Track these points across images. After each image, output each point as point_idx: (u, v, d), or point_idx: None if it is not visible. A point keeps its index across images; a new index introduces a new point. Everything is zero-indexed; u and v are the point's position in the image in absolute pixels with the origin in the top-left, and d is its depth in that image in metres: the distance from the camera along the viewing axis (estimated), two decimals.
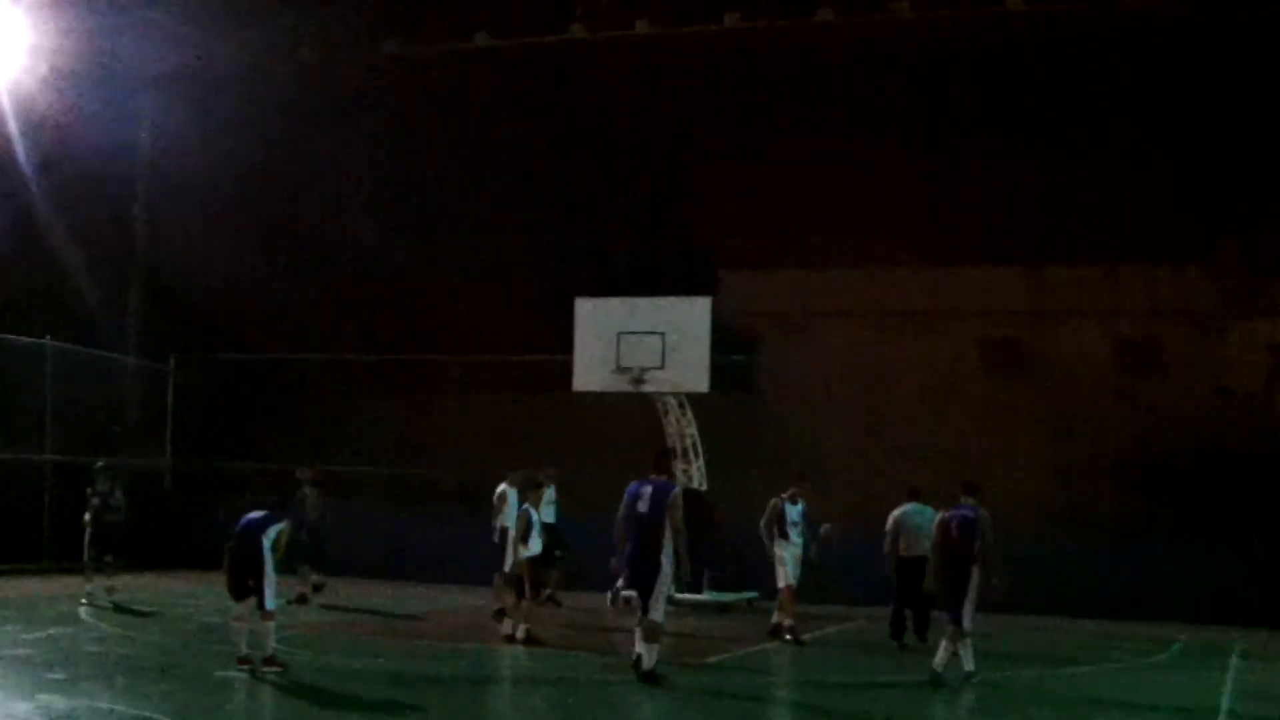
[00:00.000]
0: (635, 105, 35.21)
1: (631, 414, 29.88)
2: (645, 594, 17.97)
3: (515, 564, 21.96)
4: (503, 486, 24.46)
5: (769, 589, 27.71)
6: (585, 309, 28.55)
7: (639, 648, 18.00)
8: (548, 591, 26.58)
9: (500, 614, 23.54)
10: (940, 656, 18.56)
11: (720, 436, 30.03)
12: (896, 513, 23.66)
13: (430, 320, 35.81)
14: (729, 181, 34.90)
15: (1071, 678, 20.14)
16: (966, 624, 18.55)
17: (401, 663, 19.74)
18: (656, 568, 17.93)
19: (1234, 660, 22.66)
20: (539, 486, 23.48)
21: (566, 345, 28.80)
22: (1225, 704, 18.03)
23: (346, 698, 16.41)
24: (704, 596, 27.82)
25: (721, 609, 27.83)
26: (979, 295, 35.31)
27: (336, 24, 35.33)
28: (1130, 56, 32.67)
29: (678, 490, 18.60)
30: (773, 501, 23.50)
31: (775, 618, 23.61)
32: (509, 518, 23.63)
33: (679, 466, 28.51)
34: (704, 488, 29.09)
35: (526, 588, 22.00)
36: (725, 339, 29.65)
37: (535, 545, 22.21)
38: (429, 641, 22.61)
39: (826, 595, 27.56)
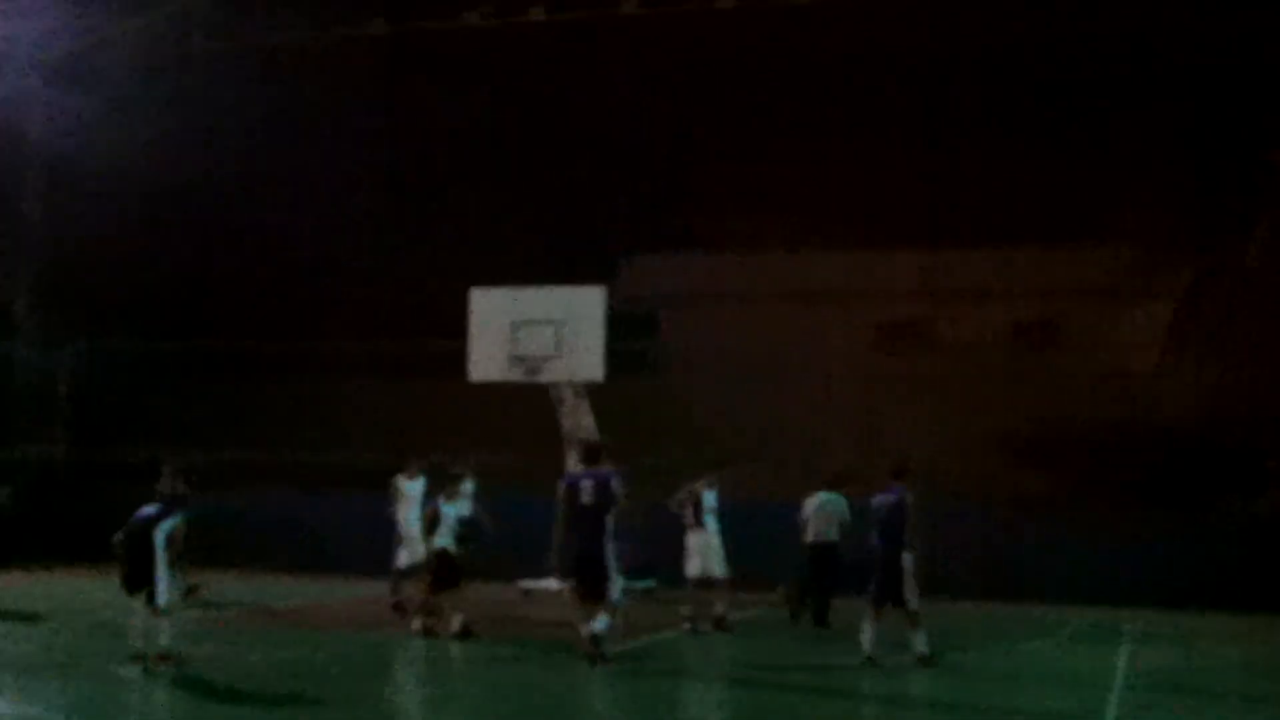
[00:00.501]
0: (530, 94, 35.07)
1: (528, 402, 29.76)
2: (597, 579, 18.73)
3: (429, 556, 21.66)
4: (398, 477, 24.26)
5: (669, 578, 27.80)
6: (479, 299, 28.42)
7: (595, 624, 18.61)
8: None
9: (399, 607, 23.42)
10: (867, 638, 18.95)
11: (618, 424, 29.91)
12: (808, 501, 24.09)
13: (330, 306, 35.55)
14: (624, 168, 34.79)
15: (965, 658, 20.12)
16: (913, 606, 18.88)
17: (299, 654, 19.60)
18: (603, 553, 18.76)
19: (1125, 640, 22.82)
20: (457, 479, 23.21)
21: (460, 332, 28.63)
22: (1118, 683, 18.21)
23: (242, 692, 16.28)
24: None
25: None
26: (878, 277, 35.52)
27: (229, 8, 34.98)
28: (1018, 38, 32.80)
29: (617, 476, 19.30)
30: (693, 486, 23.30)
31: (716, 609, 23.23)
32: (412, 511, 23.53)
33: (575, 455, 28.46)
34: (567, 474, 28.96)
35: (445, 579, 21.48)
36: (623, 325, 29.60)
37: (444, 538, 21.81)
38: (330, 632, 22.42)
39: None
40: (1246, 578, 27.83)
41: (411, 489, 23.90)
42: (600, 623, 18.66)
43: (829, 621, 23.53)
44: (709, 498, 23.28)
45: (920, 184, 34.64)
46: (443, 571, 21.36)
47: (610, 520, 18.96)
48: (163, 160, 35.19)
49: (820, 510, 23.96)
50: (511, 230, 34.30)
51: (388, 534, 24.29)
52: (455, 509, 22.24)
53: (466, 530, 23.53)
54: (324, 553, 31.20)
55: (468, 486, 24.98)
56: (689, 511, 23.24)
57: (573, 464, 28.15)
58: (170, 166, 35.27)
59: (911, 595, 18.88)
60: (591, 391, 28.92)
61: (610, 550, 18.86)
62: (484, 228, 34.05)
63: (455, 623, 21.12)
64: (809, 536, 23.90)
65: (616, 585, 18.99)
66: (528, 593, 26.36)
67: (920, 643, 18.94)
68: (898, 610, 18.97)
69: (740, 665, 20.60)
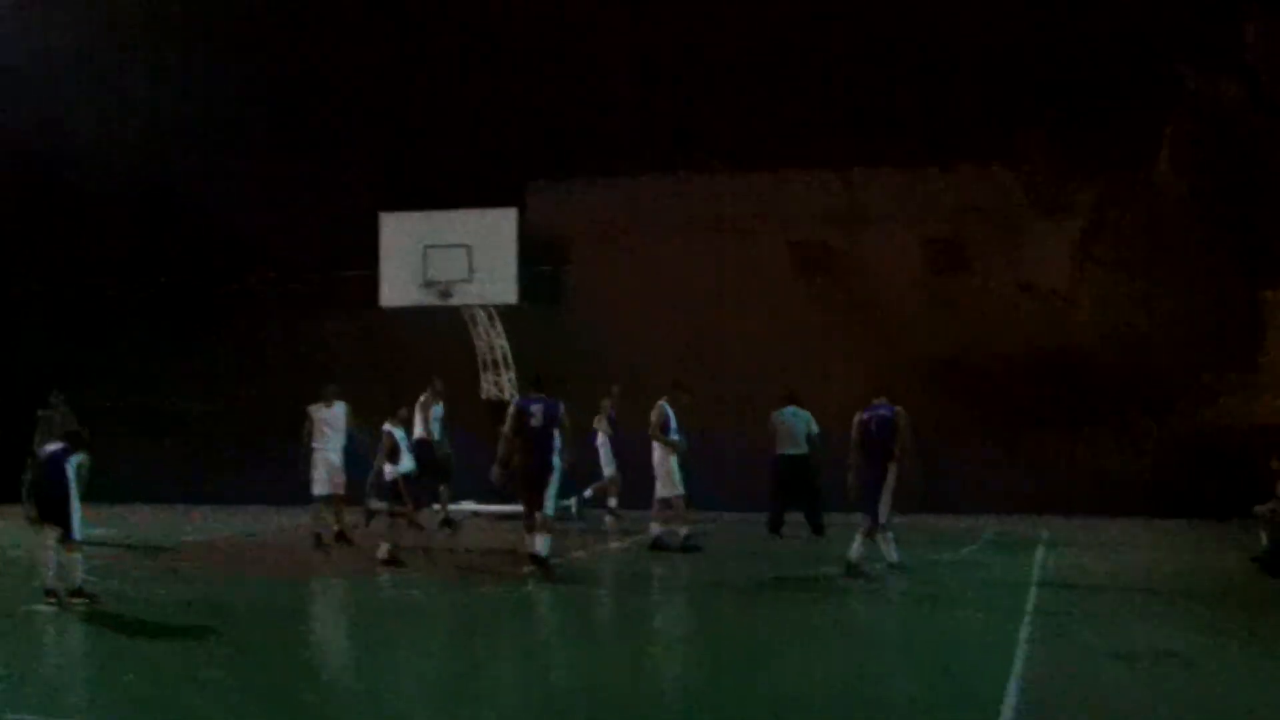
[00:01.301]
0: (435, 15, 34.62)
1: (441, 328, 29.54)
2: (538, 494, 20.17)
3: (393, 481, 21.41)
4: (314, 406, 23.93)
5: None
6: (390, 224, 28.15)
7: (536, 545, 20.06)
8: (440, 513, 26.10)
9: (319, 539, 23.22)
10: (854, 549, 19.44)
11: (531, 348, 29.78)
12: (774, 414, 25.16)
13: (230, 240, 35.00)
14: (534, 90, 34.45)
15: (881, 572, 20.20)
16: (882, 518, 19.50)
17: (211, 590, 19.34)
18: (549, 470, 20.15)
19: (1040, 549, 23.13)
20: (437, 393, 24.22)
21: (372, 261, 28.30)
22: (1033, 590, 18.41)
23: (157, 627, 16.03)
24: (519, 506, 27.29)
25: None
26: (789, 200, 35.40)
27: None
28: None
29: (563, 406, 20.61)
30: (660, 404, 23.28)
31: (657, 529, 23.28)
32: (330, 440, 23.31)
33: (490, 378, 28.34)
34: (516, 399, 28.71)
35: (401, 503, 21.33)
36: (535, 250, 29.43)
37: (406, 463, 21.69)
38: (247, 569, 22.10)
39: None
40: (1155, 489, 28.21)
41: (329, 417, 23.59)
42: (542, 542, 20.01)
43: (782, 531, 24.88)
44: (673, 416, 23.22)
45: (827, 106, 34.51)
46: (406, 497, 21.25)
47: (555, 441, 20.27)
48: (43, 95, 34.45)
49: (786, 423, 24.96)
50: (420, 157, 33.91)
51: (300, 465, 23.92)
52: (404, 434, 22.34)
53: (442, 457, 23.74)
54: (254, 486, 30.80)
55: (438, 410, 24.96)
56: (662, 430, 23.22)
57: (487, 388, 28.16)
58: (47, 106, 34.48)
59: (885, 507, 19.51)
60: (504, 316, 28.75)
61: (555, 466, 20.22)
62: (392, 155, 33.64)
63: (383, 550, 20.96)
64: (782, 448, 24.89)
65: (550, 501, 20.28)
66: (448, 520, 26.01)
67: (890, 552, 19.89)
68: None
69: (662, 580, 20.50)
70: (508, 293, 27.74)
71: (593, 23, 34.49)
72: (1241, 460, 25.59)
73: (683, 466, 23.10)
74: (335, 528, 23.41)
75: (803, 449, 24.79)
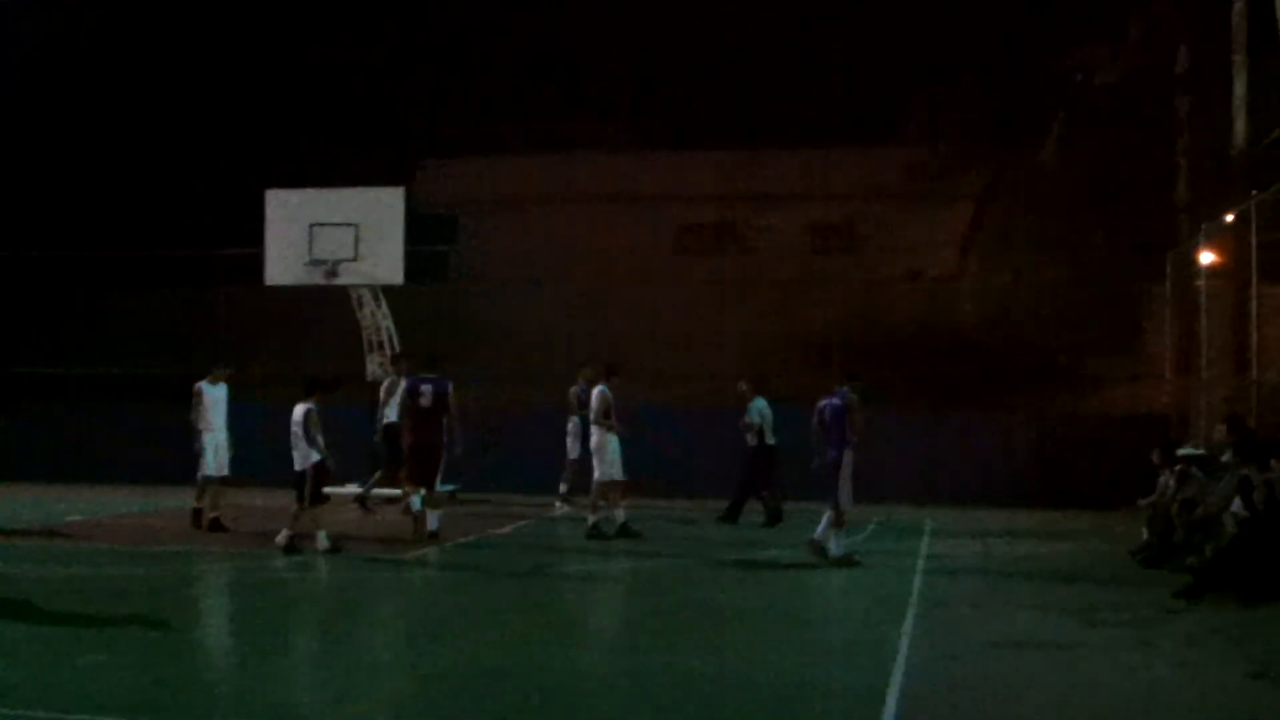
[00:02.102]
0: None
1: (327, 306, 29.32)
2: (428, 472, 21.57)
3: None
4: (198, 384, 23.57)
5: (471, 481, 27.70)
6: (276, 200, 27.80)
7: (431, 522, 21.47)
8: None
9: (198, 515, 22.93)
10: (823, 535, 19.80)
11: (418, 327, 29.58)
12: (752, 405, 25.49)
13: (114, 215, 34.54)
14: (425, 66, 34.31)
15: (769, 562, 20.31)
16: (843, 505, 19.69)
17: (92, 570, 19.04)
18: (438, 448, 21.47)
19: (925, 537, 23.32)
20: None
21: (258, 238, 27.96)
22: (917, 579, 18.57)
23: (39, 610, 15.72)
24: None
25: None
26: (681, 179, 35.52)
27: None
28: None
29: (451, 385, 21.67)
30: (601, 390, 23.03)
31: (595, 516, 22.93)
32: (217, 418, 23.06)
33: (375, 359, 28.13)
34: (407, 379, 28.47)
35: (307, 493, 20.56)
36: (423, 228, 29.25)
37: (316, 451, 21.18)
38: (121, 547, 21.74)
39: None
40: (1038, 478, 28.42)
41: (215, 395, 23.27)
42: (435, 521, 21.51)
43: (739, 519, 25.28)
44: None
45: (719, 86, 34.64)
46: (320, 483, 20.71)
47: (444, 420, 21.51)
48: None
49: (762, 414, 25.30)
50: (307, 133, 33.66)
51: (182, 444, 23.60)
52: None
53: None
54: (135, 465, 30.35)
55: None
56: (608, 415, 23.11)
57: (372, 369, 27.96)
58: None
59: (844, 494, 19.68)
60: (390, 294, 28.54)
61: (444, 450, 21.50)
62: (279, 131, 33.35)
63: (322, 539, 20.42)
64: (767, 439, 25.32)
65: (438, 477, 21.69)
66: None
67: (834, 546, 19.73)
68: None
69: (526, 564, 20.38)
70: (394, 272, 27.47)
71: (484, 1, 34.42)
72: (1124, 451, 25.87)
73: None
74: (212, 514, 23.04)
75: (772, 440, 25.28)
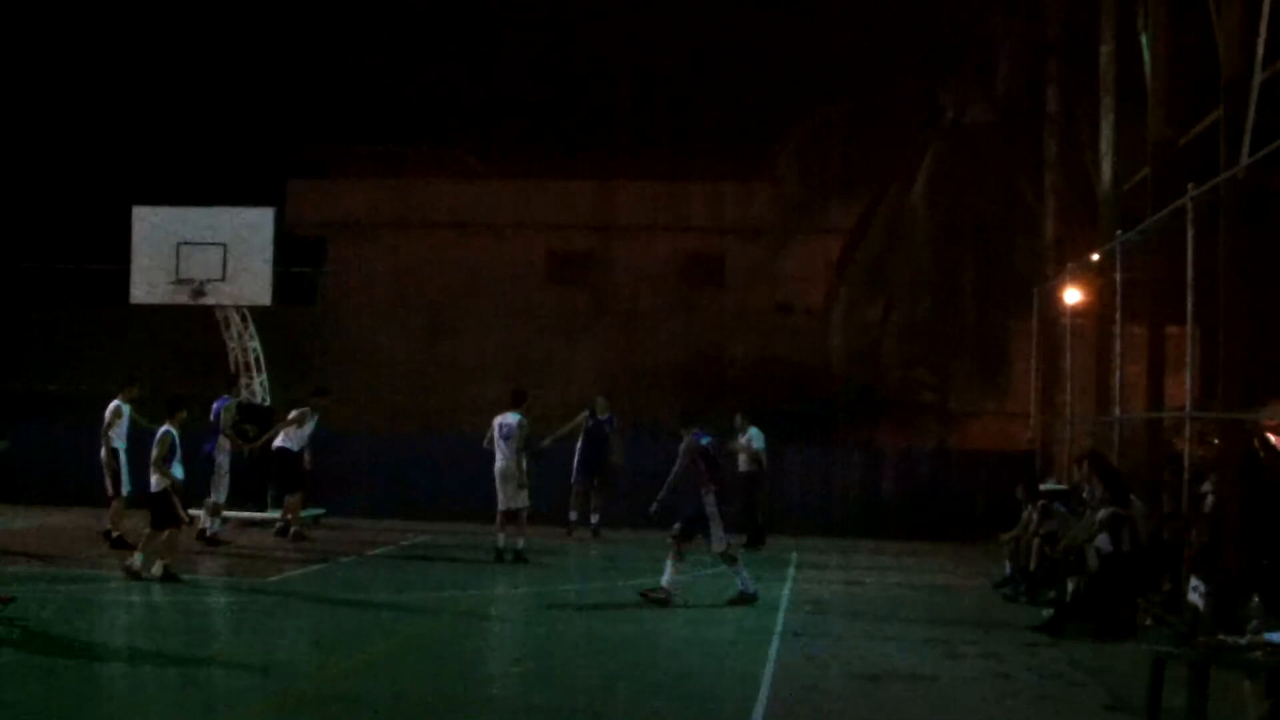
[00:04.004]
0: (200, 8, 34.11)
1: (194, 327, 28.96)
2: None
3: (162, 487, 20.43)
4: (115, 402, 23.25)
5: (336, 506, 27.48)
6: (142, 218, 27.35)
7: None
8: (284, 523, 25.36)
9: (108, 535, 22.59)
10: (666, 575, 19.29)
11: (284, 349, 29.28)
12: (747, 434, 26.48)
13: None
14: (299, 86, 34.12)
15: (635, 591, 20.26)
16: (716, 547, 19.28)
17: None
18: None
19: (790, 569, 23.33)
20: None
21: (125, 255, 27.51)
22: (782, 612, 18.66)
23: None
24: (270, 514, 26.67)
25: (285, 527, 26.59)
26: (550, 208, 35.54)
27: None
28: None
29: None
30: (519, 417, 22.81)
31: (503, 541, 22.86)
32: (118, 436, 22.84)
33: (243, 381, 27.75)
34: (267, 402, 28.21)
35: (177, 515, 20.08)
36: (291, 249, 29.00)
37: (177, 470, 20.65)
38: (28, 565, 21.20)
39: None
40: (902, 511, 28.60)
41: (128, 413, 23.09)
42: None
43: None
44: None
45: (591, 116, 34.74)
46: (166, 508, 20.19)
47: None
48: None
49: (757, 443, 26.37)
50: (174, 150, 33.34)
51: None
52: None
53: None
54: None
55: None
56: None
57: (240, 390, 27.56)
58: None
59: (715, 535, 19.30)
60: (257, 315, 28.21)
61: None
62: (147, 148, 33.00)
63: (157, 566, 20.02)
64: (760, 466, 26.48)
65: None
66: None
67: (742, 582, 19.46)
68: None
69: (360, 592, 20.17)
70: (262, 294, 27.12)
71: (356, 22, 34.30)
72: (987, 485, 26.11)
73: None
74: (115, 532, 22.73)
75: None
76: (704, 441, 19.49)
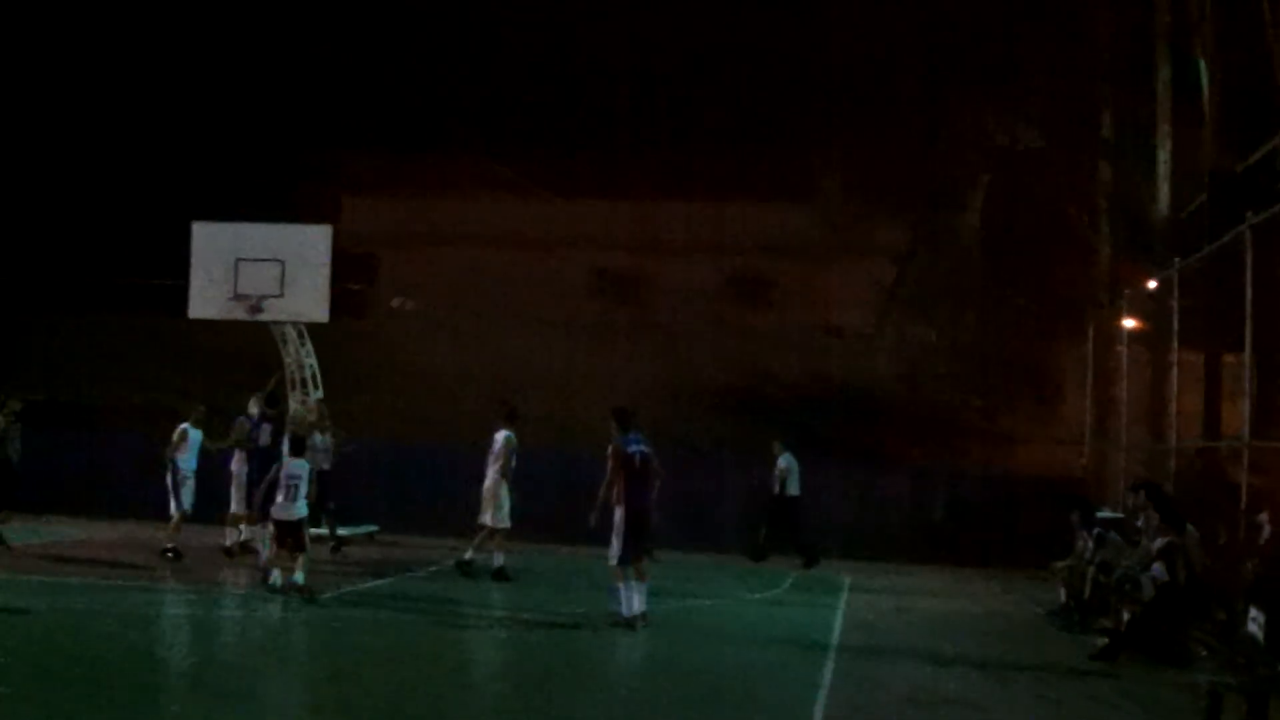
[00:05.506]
0: (255, 25, 34.28)
1: (250, 342, 29.07)
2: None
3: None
4: (182, 425, 23.49)
5: (390, 523, 27.58)
6: (202, 233, 27.51)
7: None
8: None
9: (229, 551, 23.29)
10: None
11: (337, 365, 29.38)
12: (782, 459, 27.46)
13: (43, 240, 34.23)
14: (350, 103, 34.30)
15: (690, 612, 20.31)
16: (609, 560, 18.41)
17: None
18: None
19: (843, 593, 23.31)
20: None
21: (183, 270, 27.65)
22: (837, 634, 18.68)
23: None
24: (322, 530, 26.69)
25: (341, 543, 26.65)
26: (596, 226, 35.62)
27: None
28: None
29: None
30: (508, 434, 22.72)
31: (497, 559, 22.69)
32: (184, 457, 23.18)
33: (298, 397, 27.84)
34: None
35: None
36: (344, 265, 29.10)
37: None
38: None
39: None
40: (952, 536, 28.57)
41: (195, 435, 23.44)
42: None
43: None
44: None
45: (639, 135, 34.79)
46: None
47: None
48: None
49: (792, 467, 27.28)
50: (234, 167, 33.52)
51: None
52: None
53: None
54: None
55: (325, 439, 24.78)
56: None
57: (295, 407, 27.65)
58: None
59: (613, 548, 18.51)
60: (313, 331, 28.31)
61: None
62: (205, 164, 33.19)
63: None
64: (792, 490, 27.41)
65: None
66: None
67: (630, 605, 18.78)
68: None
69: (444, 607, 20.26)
70: (319, 310, 27.21)
71: (411, 40, 34.49)
72: (1037, 511, 26.03)
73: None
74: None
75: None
76: (633, 450, 18.40)
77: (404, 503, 28.74)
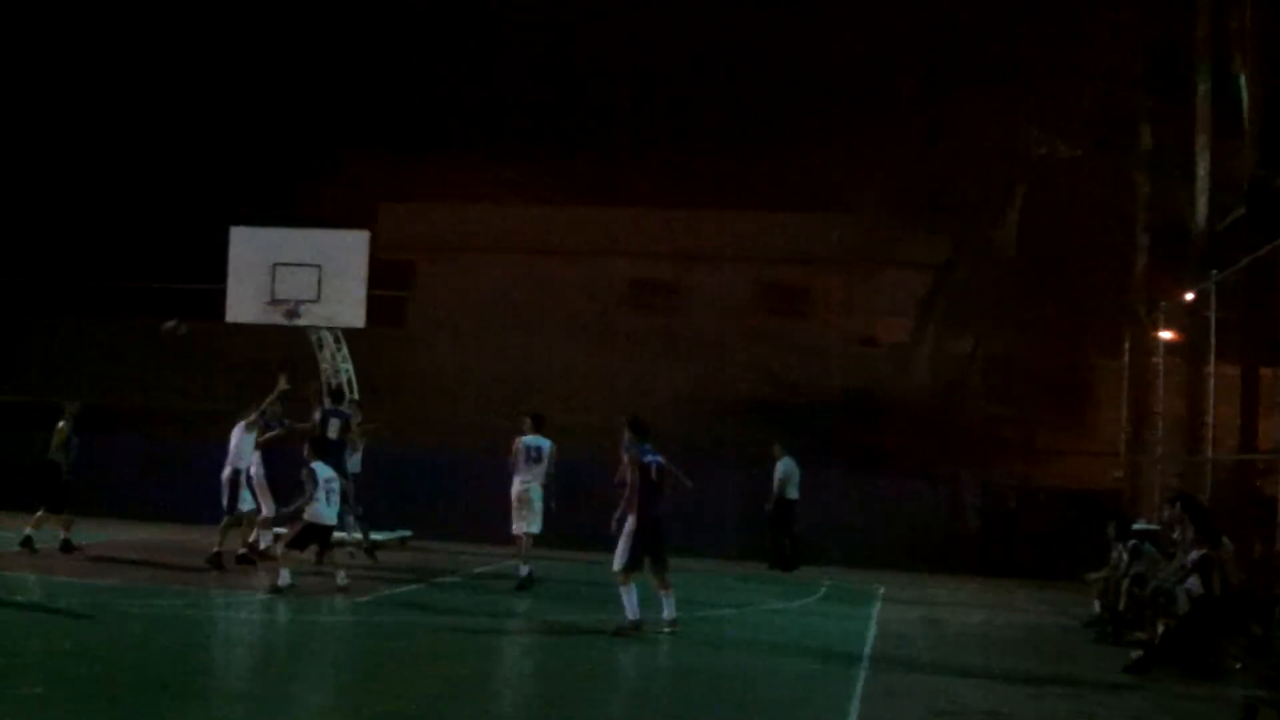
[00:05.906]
0: (289, 34, 34.40)
1: (286, 347, 29.11)
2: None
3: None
4: (240, 426, 23.61)
5: (423, 528, 27.63)
6: (240, 238, 27.63)
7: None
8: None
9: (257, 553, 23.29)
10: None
11: (372, 370, 29.45)
12: (782, 463, 27.43)
13: (78, 244, 34.37)
14: (386, 112, 34.42)
15: (720, 621, 20.34)
16: (614, 565, 18.56)
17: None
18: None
19: (876, 603, 23.29)
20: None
21: (220, 274, 27.77)
22: (869, 644, 18.62)
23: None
24: (356, 535, 26.69)
25: (373, 547, 26.69)
26: (632, 235, 35.63)
27: None
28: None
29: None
30: (551, 444, 22.76)
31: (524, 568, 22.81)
32: (242, 458, 23.35)
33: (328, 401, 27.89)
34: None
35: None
36: (380, 271, 29.17)
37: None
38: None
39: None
40: (986, 547, 28.55)
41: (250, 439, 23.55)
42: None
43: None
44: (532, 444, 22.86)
45: (676, 144, 34.83)
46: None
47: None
48: None
49: (792, 472, 27.16)
50: (271, 173, 33.61)
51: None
52: None
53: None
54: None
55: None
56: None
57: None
58: None
59: (618, 553, 18.62)
60: (349, 336, 28.39)
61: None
62: (241, 169, 33.31)
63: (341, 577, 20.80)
64: (791, 494, 27.25)
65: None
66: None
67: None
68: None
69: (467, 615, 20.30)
70: (356, 316, 27.28)
71: (446, 49, 34.58)
72: (1072, 523, 25.97)
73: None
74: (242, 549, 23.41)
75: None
76: (648, 460, 18.56)
77: (438, 509, 28.79)
